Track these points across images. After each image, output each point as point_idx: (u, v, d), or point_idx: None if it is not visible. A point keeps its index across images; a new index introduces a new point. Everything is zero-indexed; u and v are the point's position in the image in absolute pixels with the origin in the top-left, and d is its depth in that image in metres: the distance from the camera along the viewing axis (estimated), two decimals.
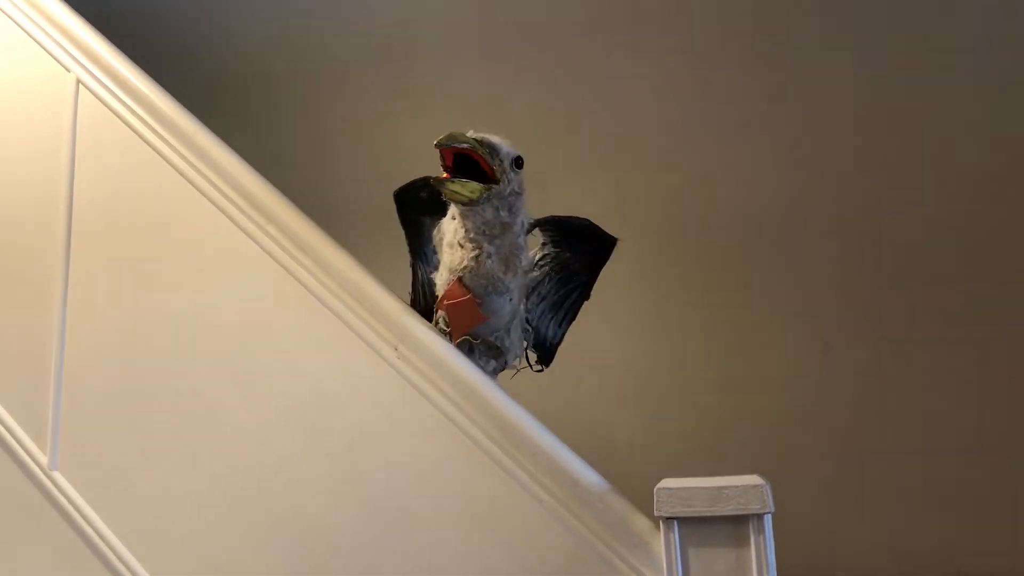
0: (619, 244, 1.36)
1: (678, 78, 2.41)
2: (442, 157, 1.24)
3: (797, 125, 2.36)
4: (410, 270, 1.44)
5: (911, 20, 2.26)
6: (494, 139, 1.25)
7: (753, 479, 1.05)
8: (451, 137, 1.20)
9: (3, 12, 1.57)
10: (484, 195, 1.22)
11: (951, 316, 2.21)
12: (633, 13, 2.38)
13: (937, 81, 2.26)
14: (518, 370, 1.41)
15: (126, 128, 1.46)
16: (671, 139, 2.42)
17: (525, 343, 1.39)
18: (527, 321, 1.38)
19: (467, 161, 1.23)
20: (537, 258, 1.37)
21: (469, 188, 1.21)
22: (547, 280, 1.38)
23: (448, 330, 1.30)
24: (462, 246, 1.27)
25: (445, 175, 1.23)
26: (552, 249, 1.37)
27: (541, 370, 1.43)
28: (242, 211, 1.36)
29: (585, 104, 2.45)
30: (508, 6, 2.43)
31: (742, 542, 1.04)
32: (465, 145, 1.21)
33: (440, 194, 1.25)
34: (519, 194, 1.27)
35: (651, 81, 2.42)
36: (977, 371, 2.16)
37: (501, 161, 1.24)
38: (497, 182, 1.23)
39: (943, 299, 2.22)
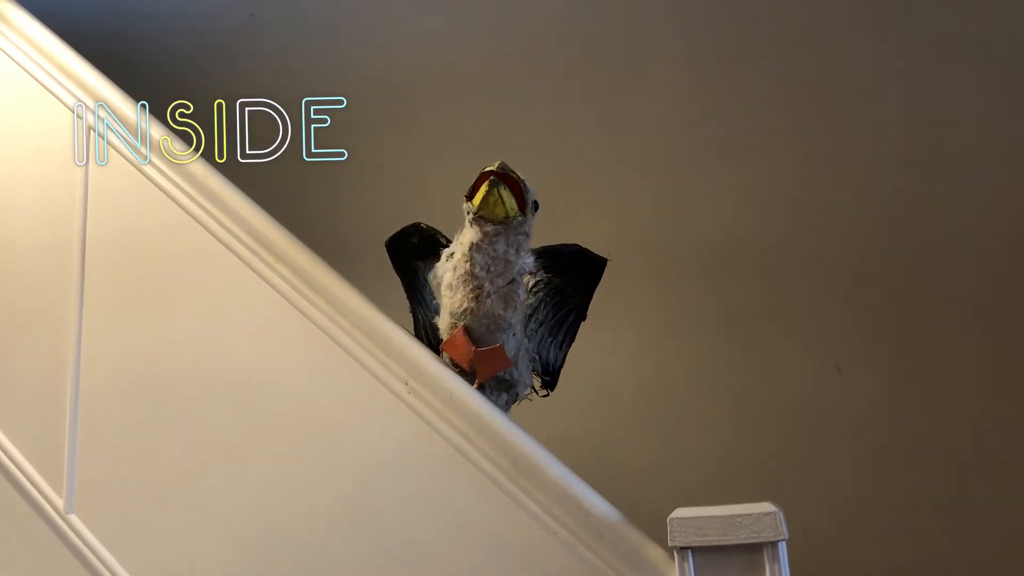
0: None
1: (687, 104, 2.43)
2: (475, 185, 1.26)
3: (809, 148, 2.37)
4: (410, 316, 1.46)
5: (925, 44, 2.28)
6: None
7: (766, 507, 1.05)
8: (502, 165, 1.25)
9: (15, 62, 1.61)
10: (517, 218, 1.26)
11: (962, 337, 2.20)
12: (641, 38, 2.41)
13: (948, 105, 2.27)
14: (524, 397, 1.42)
15: (136, 171, 1.49)
16: (680, 164, 2.43)
17: (534, 372, 1.41)
18: (530, 349, 1.39)
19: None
20: (531, 285, 1.39)
21: (511, 204, 1.25)
22: (543, 306, 1.40)
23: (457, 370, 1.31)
24: (463, 285, 1.28)
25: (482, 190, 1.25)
26: (544, 275, 1.39)
27: (547, 394, 1.44)
28: (254, 252, 1.38)
29: (594, 130, 2.47)
30: (513, 36, 2.46)
31: (757, 570, 1.04)
32: (512, 175, 1.26)
33: (482, 204, 1.25)
34: (528, 236, 1.30)
35: (661, 107, 2.43)
36: (990, 391, 2.15)
37: (528, 197, 1.28)
38: (525, 214, 1.27)
39: (954, 320, 2.21)
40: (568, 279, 1.39)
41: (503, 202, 1.24)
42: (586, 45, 2.45)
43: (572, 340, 1.43)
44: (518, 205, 1.26)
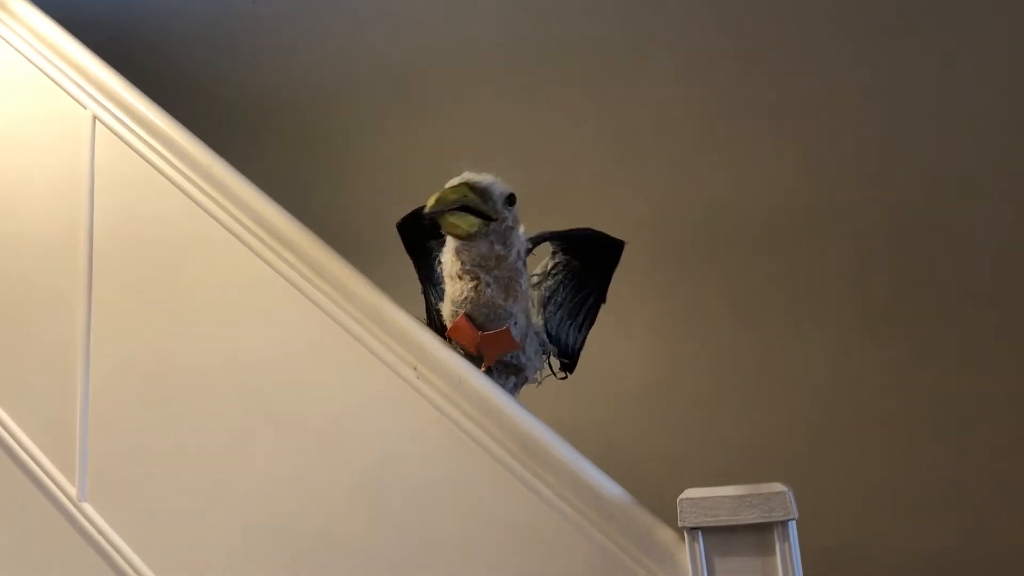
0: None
1: (692, 88, 2.41)
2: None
3: (814, 131, 2.36)
4: (422, 297, 1.46)
5: (928, 25, 2.26)
6: (485, 181, 1.23)
7: (775, 486, 1.05)
8: (439, 201, 1.19)
9: (20, 53, 1.61)
10: (482, 230, 1.22)
11: (973, 320, 2.20)
12: (645, 26, 2.40)
13: (954, 84, 2.26)
14: (541, 381, 1.42)
15: (143, 161, 1.49)
16: (685, 148, 2.43)
17: (545, 356, 1.40)
18: (547, 332, 1.39)
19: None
20: (549, 267, 1.39)
21: (467, 222, 1.20)
22: (561, 288, 1.40)
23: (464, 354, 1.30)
24: (460, 278, 1.28)
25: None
26: (563, 257, 1.39)
27: (565, 377, 1.45)
28: (260, 240, 1.38)
29: (599, 116, 2.46)
30: (517, 27, 2.45)
31: (767, 550, 1.04)
32: (452, 204, 1.19)
33: (440, 226, 1.23)
34: (513, 228, 1.27)
35: (666, 91, 2.42)
36: (1003, 373, 2.15)
37: (494, 203, 1.23)
38: (494, 220, 1.23)
39: (964, 303, 2.21)
40: (586, 261, 1.38)
41: (459, 223, 1.20)
42: (587, 36, 2.44)
43: (592, 323, 1.42)
44: (483, 216, 1.21)
